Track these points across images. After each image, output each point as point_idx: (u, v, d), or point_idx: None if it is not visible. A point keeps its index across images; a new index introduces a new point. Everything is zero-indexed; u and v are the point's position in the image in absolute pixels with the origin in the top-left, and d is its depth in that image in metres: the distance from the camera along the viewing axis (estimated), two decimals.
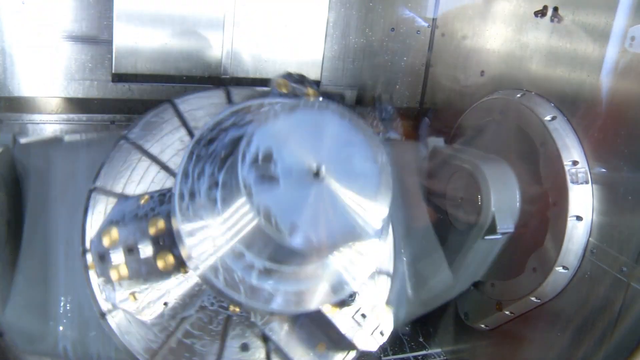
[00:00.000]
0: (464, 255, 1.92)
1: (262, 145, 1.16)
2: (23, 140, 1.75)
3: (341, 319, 1.46)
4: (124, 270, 1.34)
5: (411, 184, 2.06)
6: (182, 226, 1.24)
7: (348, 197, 1.17)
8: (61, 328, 1.57)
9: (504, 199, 1.83)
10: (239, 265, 1.25)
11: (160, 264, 1.35)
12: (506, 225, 1.83)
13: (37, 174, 1.67)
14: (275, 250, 1.21)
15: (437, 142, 2.13)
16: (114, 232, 1.35)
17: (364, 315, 1.47)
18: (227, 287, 1.24)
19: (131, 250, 1.35)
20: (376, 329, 1.49)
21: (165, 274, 1.38)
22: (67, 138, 1.76)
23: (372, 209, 1.18)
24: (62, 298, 1.58)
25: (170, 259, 1.35)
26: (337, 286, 1.33)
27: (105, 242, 1.35)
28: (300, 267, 1.28)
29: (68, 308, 1.58)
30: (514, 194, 1.86)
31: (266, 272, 1.26)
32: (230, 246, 1.24)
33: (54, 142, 1.75)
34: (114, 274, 1.34)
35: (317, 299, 1.31)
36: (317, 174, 1.16)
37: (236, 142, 1.29)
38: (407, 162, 2.08)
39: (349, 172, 1.20)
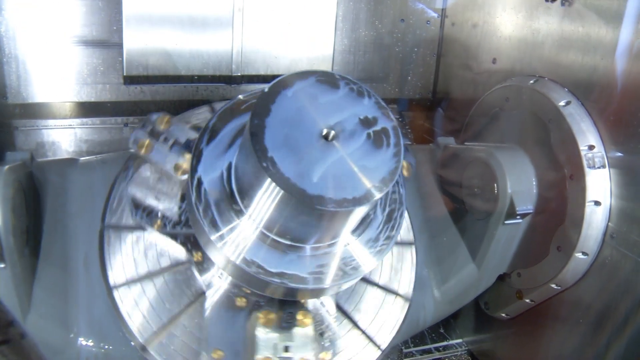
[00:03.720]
0: (486, 247, 1.92)
1: (273, 118, 1.18)
2: (40, 160, 1.78)
3: (265, 334, 1.48)
4: (150, 148, 1.48)
5: (429, 185, 2.08)
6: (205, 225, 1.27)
7: (358, 159, 1.19)
8: (81, 340, 1.60)
9: (520, 181, 1.83)
10: (264, 249, 1.28)
11: (177, 167, 1.46)
12: (525, 206, 1.82)
13: (53, 191, 1.71)
14: (296, 225, 1.23)
15: (447, 141, 2.15)
16: (167, 120, 1.50)
17: (286, 349, 1.47)
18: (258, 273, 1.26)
19: (167, 140, 1.48)
20: None
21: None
22: (82, 159, 1.79)
23: (381, 170, 1.20)
24: (82, 311, 1.62)
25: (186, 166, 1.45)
26: (350, 269, 1.33)
27: (158, 121, 1.47)
28: (317, 241, 1.30)
29: (88, 321, 1.61)
30: (529, 176, 1.85)
31: (290, 250, 1.29)
32: (257, 232, 1.26)
33: (70, 162, 1.78)
34: (142, 145, 1.47)
35: (331, 278, 1.32)
36: (326, 138, 1.18)
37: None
38: (423, 165, 2.10)
39: (358, 136, 1.22)
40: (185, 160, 1.44)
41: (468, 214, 2.01)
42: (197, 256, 1.55)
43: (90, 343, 1.61)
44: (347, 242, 1.35)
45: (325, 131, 1.18)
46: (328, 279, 1.30)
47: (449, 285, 1.98)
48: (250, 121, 1.16)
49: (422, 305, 1.93)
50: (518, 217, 1.83)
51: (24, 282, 1.56)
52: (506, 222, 1.85)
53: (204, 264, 1.56)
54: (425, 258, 1.97)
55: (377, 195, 1.17)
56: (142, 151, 1.48)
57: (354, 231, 1.36)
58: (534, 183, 1.85)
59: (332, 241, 1.33)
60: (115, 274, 1.58)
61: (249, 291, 1.53)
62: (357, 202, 1.15)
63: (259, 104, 1.18)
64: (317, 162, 1.16)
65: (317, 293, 1.39)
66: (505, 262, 1.96)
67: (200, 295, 1.57)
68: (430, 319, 1.99)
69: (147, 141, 1.48)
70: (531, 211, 1.84)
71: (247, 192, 1.26)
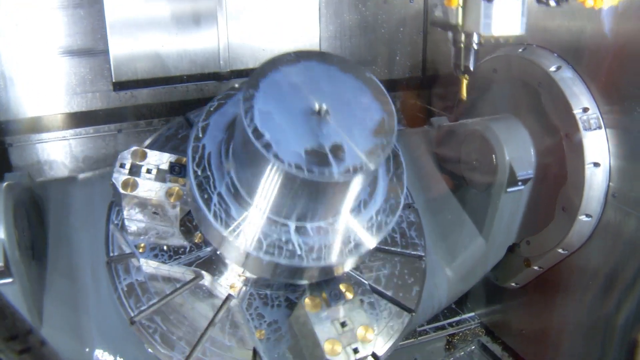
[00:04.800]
0: (491, 219, 1.92)
1: (264, 96, 1.20)
2: (40, 179, 1.78)
3: (319, 318, 1.41)
4: (135, 185, 1.43)
5: (427, 167, 2.09)
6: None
7: (352, 133, 1.20)
8: (96, 351, 1.61)
9: (517, 148, 1.84)
10: (275, 230, 1.30)
11: (170, 193, 1.43)
12: (525, 171, 1.83)
13: (56, 208, 1.71)
14: (300, 204, 1.25)
15: (440, 121, 2.16)
16: (142, 152, 1.46)
17: (343, 324, 1.42)
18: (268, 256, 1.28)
19: (149, 171, 1.44)
20: (350, 345, 1.40)
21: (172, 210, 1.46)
22: (81, 176, 1.79)
23: (375, 142, 1.21)
24: (94, 321, 1.62)
25: (179, 190, 1.43)
26: (353, 245, 1.34)
27: (133, 156, 1.45)
28: (317, 219, 1.32)
29: (101, 331, 1.62)
30: (526, 142, 1.86)
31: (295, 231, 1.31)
32: (264, 215, 1.28)
33: (70, 180, 1.79)
34: (126, 184, 1.42)
35: (337, 254, 1.33)
36: (319, 113, 1.20)
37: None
38: (419, 148, 2.12)
39: (351, 109, 1.24)
40: (176, 185, 1.43)
41: (470, 190, 2.01)
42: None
43: (104, 353, 1.61)
44: (347, 221, 1.35)
45: (317, 107, 1.19)
46: (332, 256, 1.31)
47: (458, 263, 1.97)
48: (242, 104, 1.17)
49: (434, 286, 1.90)
50: (519, 183, 1.83)
51: (33, 296, 1.56)
52: (508, 190, 1.85)
53: (217, 265, 1.56)
54: (432, 239, 1.97)
55: (373, 166, 1.18)
56: (129, 190, 1.41)
57: (353, 210, 1.37)
58: (532, 148, 1.85)
59: (333, 219, 1.34)
60: (124, 281, 1.58)
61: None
62: (355, 171, 1.16)
63: (249, 87, 1.19)
64: (311, 138, 1.17)
65: (324, 273, 1.39)
66: (513, 232, 1.96)
67: (214, 297, 1.58)
68: (445, 300, 1.98)
69: (130, 179, 1.43)
70: (531, 176, 1.85)
71: (247, 178, 1.27)
